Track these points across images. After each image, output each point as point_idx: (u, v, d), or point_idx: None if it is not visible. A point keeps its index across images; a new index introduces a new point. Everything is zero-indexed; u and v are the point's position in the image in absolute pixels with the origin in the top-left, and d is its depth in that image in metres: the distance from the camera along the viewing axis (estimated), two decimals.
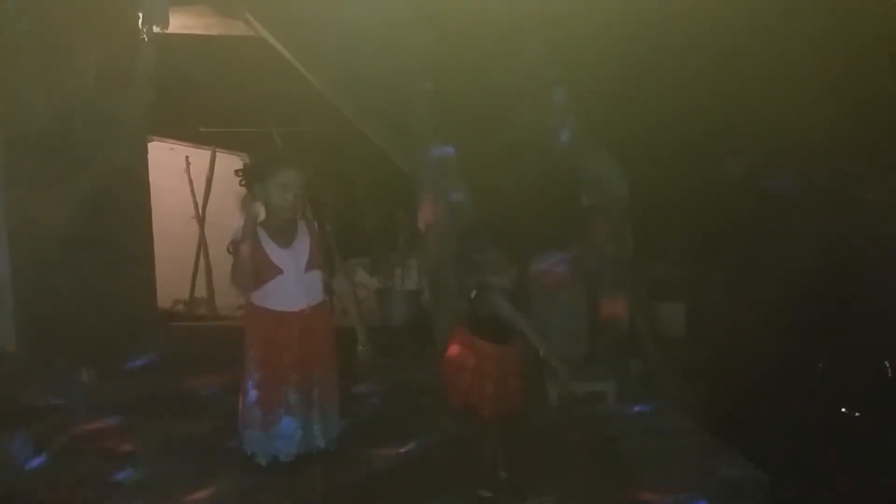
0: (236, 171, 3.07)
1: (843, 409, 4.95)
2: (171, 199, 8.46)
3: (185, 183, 8.96)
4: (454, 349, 3.45)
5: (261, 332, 2.99)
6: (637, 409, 4.77)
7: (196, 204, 9.01)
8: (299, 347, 2.97)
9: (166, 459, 3.96)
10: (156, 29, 6.37)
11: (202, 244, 9.06)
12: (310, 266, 3.00)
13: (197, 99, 7.91)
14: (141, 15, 6.30)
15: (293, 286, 2.97)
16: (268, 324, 2.97)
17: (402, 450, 4.11)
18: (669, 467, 3.83)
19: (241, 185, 3.04)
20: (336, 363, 3.11)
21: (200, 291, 9.14)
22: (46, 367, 4.92)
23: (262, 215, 2.99)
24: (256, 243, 2.92)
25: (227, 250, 2.98)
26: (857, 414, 4.89)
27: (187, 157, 9.00)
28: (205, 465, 3.78)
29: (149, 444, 4.16)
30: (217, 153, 9.08)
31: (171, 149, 8.96)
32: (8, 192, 4.92)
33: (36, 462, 3.90)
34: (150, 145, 7.28)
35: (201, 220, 9.05)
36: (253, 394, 2.94)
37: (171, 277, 8.17)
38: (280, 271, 2.95)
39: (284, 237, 2.99)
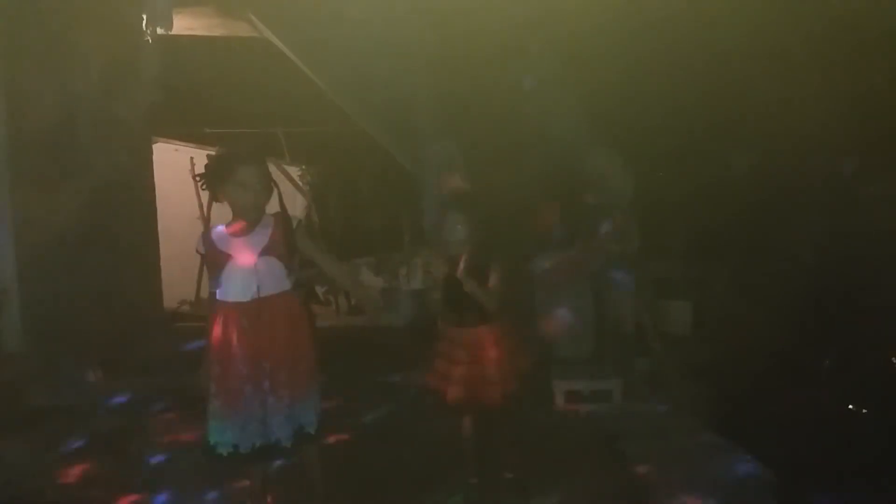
0: (194, 177, 3.06)
1: (851, 407, 4.93)
2: (176, 200, 8.47)
3: (190, 184, 8.97)
4: (436, 338, 3.47)
5: (214, 324, 2.97)
6: (643, 407, 4.76)
7: (201, 205, 9.02)
8: (247, 339, 2.91)
9: (172, 459, 3.97)
10: (160, 30, 6.39)
11: None
12: (266, 251, 2.94)
13: (201, 100, 7.92)
14: (145, 16, 6.33)
15: (243, 274, 2.92)
16: (219, 314, 2.95)
17: (403, 448, 4.11)
18: (675, 467, 3.82)
19: (202, 189, 3.02)
20: (303, 354, 3.02)
21: (206, 292, 9.15)
22: (53, 368, 4.94)
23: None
24: (210, 245, 2.96)
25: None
26: (864, 411, 4.87)
27: (192, 157, 9.02)
28: (210, 463, 3.78)
29: (155, 443, 4.18)
30: None
31: (176, 150, 8.99)
32: (14, 192, 4.94)
33: (44, 462, 3.91)
34: (154, 146, 7.30)
35: (206, 220, 9.06)
36: (212, 386, 2.93)
37: (177, 278, 8.19)
38: (228, 257, 2.92)
39: (244, 229, 2.96)
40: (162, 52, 6.54)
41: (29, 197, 5.02)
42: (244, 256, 2.93)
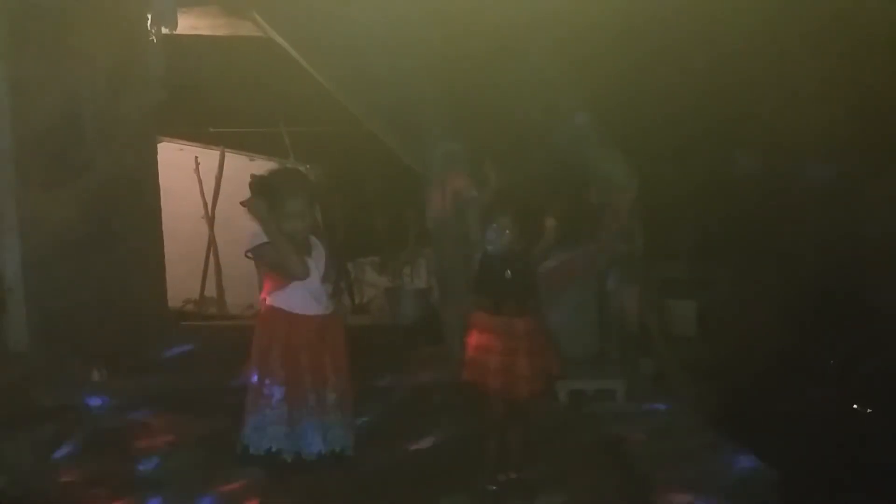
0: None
1: (855, 407, 4.92)
2: (181, 200, 8.48)
3: (195, 183, 9.00)
4: (469, 329, 3.50)
5: (281, 333, 3.04)
6: (647, 407, 4.76)
7: (205, 204, 9.04)
8: (315, 350, 3.03)
9: (178, 458, 3.97)
10: (164, 30, 6.40)
11: (212, 244, 9.09)
12: (325, 279, 3.09)
13: (206, 99, 7.93)
14: (150, 16, 6.34)
15: (313, 291, 3.05)
16: (287, 325, 3.03)
17: (411, 447, 4.11)
18: (680, 466, 3.81)
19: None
20: (349, 368, 3.15)
21: (210, 291, 9.18)
22: (57, 367, 4.95)
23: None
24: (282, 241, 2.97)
25: (246, 255, 3.04)
26: (868, 411, 4.86)
27: (196, 157, 9.04)
28: (217, 463, 3.79)
29: (160, 442, 4.18)
30: (226, 153, 9.12)
31: (181, 149, 9.00)
32: (19, 192, 4.95)
33: (49, 461, 3.92)
34: (159, 146, 7.31)
35: (211, 219, 9.08)
36: (278, 391, 2.98)
37: (182, 277, 8.20)
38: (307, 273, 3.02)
39: (302, 248, 3.06)
40: (166, 51, 6.55)
41: (34, 197, 5.02)
42: (314, 274, 3.05)
